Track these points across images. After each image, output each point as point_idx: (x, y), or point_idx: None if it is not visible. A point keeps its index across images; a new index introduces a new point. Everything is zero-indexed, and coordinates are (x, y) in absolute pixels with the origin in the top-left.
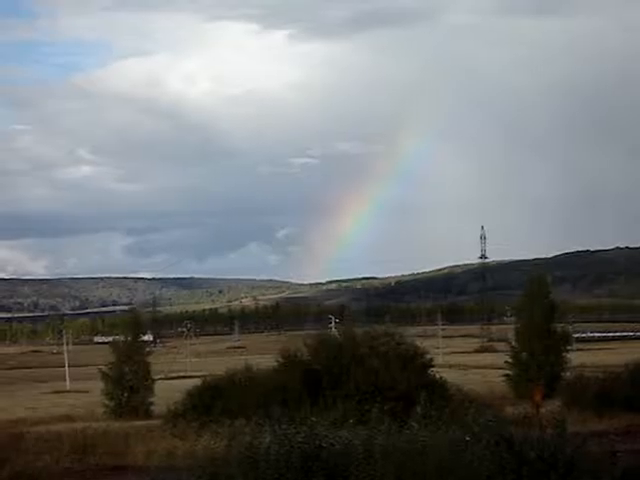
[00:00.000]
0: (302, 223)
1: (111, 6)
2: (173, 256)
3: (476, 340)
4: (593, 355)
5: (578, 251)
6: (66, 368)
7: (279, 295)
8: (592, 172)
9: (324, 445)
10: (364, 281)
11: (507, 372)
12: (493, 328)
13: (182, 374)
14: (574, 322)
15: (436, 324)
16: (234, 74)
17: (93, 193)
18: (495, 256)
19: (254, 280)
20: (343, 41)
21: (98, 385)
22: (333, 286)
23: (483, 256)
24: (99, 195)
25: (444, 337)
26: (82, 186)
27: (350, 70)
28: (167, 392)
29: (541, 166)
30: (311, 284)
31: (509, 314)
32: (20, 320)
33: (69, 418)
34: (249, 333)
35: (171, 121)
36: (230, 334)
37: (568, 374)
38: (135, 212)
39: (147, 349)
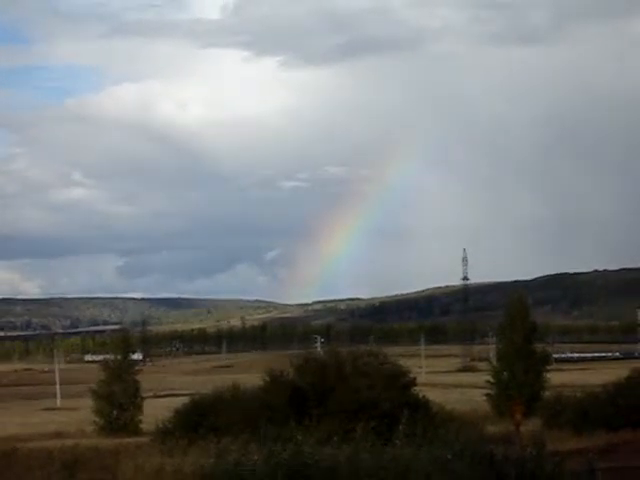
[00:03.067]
0: (290, 245)
1: (107, 33)
2: (163, 277)
3: (458, 360)
4: (572, 375)
5: (558, 273)
6: (57, 386)
7: (266, 315)
8: (573, 196)
9: (310, 462)
10: (349, 302)
11: (488, 391)
12: (475, 348)
13: (170, 392)
14: (554, 343)
15: (419, 344)
16: (226, 99)
17: (86, 215)
18: (477, 278)
19: (242, 300)
20: (333, 68)
21: (88, 403)
22: (319, 307)
23: (465, 278)
24: (91, 217)
25: (427, 357)
26: (75, 208)
27: (339, 96)
28: (156, 410)
29: (523, 190)
30: (298, 305)
31: (490, 334)
32: (12, 339)
33: (60, 435)
34: (237, 352)
35: (163, 145)
36: (218, 353)
37: (548, 393)
38: (126, 234)
39: (136, 368)
